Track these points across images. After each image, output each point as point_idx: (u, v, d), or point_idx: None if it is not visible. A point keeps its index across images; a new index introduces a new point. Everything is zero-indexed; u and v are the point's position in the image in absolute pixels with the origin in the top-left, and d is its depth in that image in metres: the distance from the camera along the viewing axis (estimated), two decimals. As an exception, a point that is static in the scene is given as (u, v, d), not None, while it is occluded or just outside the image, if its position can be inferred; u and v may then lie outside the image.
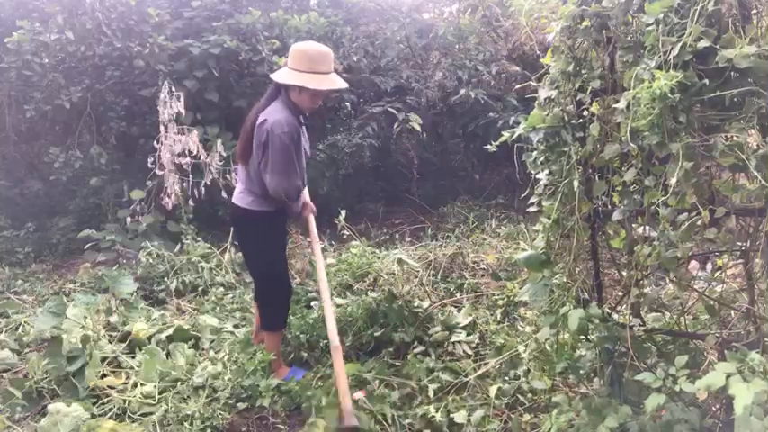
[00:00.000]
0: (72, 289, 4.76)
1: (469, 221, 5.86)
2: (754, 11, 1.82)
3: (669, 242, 1.87)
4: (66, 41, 5.54)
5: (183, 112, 5.31)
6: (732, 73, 1.74)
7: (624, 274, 2.25)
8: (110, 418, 2.90)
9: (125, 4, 5.74)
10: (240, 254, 5.20)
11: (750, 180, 1.81)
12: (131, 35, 5.78)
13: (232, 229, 5.19)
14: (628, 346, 2.09)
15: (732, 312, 2.11)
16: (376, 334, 3.39)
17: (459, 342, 3.34)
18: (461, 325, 3.50)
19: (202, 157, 5.37)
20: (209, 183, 5.42)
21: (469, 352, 3.32)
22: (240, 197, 3.15)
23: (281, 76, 2.99)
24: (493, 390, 2.86)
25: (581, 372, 2.42)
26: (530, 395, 2.82)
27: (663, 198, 1.83)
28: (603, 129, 2.06)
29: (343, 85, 3.07)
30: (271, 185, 2.97)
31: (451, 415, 2.72)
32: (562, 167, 2.15)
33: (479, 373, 3.02)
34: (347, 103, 6.97)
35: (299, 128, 3.05)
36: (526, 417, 2.67)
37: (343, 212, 4.44)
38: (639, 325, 2.20)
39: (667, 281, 2.30)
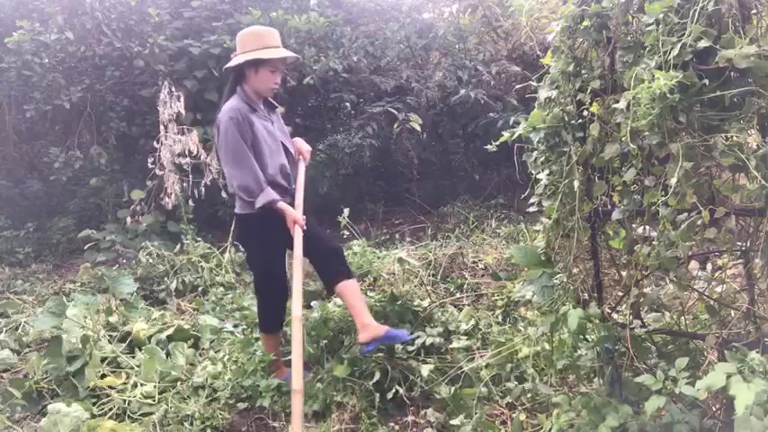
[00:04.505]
0: (72, 289, 4.76)
1: (469, 221, 5.86)
2: (754, 11, 1.82)
3: (669, 242, 1.87)
4: (66, 41, 5.54)
5: (182, 112, 5.31)
6: (732, 73, 1.74)
7: (624, 274, 2.25)
8: (110, 418, 2.90)
9: (125, 4, 5.74)
10: (240, 254, 5.22)
11: (750, 180, 1.81)
12: (131, 35, 5.78)
13: (232, 229, 5.22)
14: (628, 346, 2.09)
15: (732, 312, 2.11)
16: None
17: (458, 349, 3.29)
18: (462, 329, 3.46)
19: (202, 157, 5.37)
20: (209, 183, 5.43)
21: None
22: (235, 202, 3.14)
23: (234, 61, 2.99)
24: (476, 389, 2.86)
25: (581, 372, 2.42)
26: (530, 395, 2.82)
27: (663, 198, 1.83)
28: (603, 129, 2.06)
29: (297, 55, 3.14)
30: (228, 181, 2.95)
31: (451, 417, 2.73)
32: (562, 167, 2.15)
33: (474, 364, 3.02)
34: (347, 103, 6.97)
35: (249, 115, 2.97)
36: (526, 417, 2.67)
37: (346, 210, 4.42)
38: (640, 325, 2.19)
39: (667, 281, 2.30)
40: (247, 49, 2.97)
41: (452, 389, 2.83)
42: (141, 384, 3.13)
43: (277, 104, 3.25)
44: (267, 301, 3.20)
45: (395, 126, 6.31)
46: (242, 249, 5.14)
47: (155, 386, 3.10)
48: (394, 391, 2.91)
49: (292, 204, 3.03)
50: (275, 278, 3.18)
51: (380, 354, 3.11)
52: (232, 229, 5.20)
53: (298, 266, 2.85)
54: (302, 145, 3.31)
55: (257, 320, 3.34)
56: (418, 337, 3.04)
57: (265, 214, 2.98)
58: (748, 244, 2.00)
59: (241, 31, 3.08)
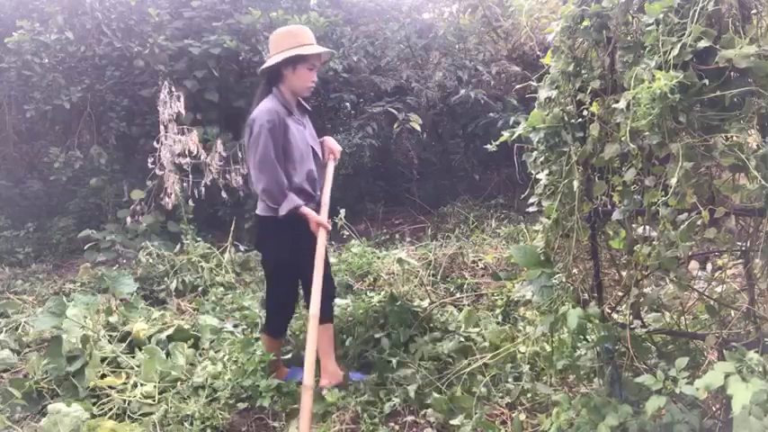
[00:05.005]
0: (72, 289, 4.76)
1: (469, 221, 5.87)
2: (754, 11, 1.82)
3: (669, 242, 1.87)
4: (66, 41, 5.55)
5: (182, 112, 5.32)
6: (732, 73, 1.74)
7: (624, 274, 2.25)
8: (110, 418, 2.90)
9: (125, 4, 5.75)
10: (240, 253, 5.22)
11: (750, 180, 1.81)
12: (131, 35, 5.79)
13: (232, 229, 5.22)
14: (628, 346, 2.09)
15: (732, 312, 2.11)
16: (377, 336, 3.38)
17: (450, 353, 3.24)
18: (462, 331, 3.46)
19: (202, 157, 5.38)
20: (209, 183, 5.43)
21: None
22: (258, 203, 3.06)
23: (272, 60, 2.94)
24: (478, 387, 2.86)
25: (581, 372, 2.42)
26: (530, 395, 2.83)
27: (663, 198, 1.83)
28: (603, 129, 2.06)
29: (332, 50, 3.31)
30: (253, 183, 2.89)
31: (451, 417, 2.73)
32: (562, 167, 2.15)
33: (472, 366, 3.02)
34: (347, 103, 6.97)
35: (286, 118, 2.93)
36: (526, 417, 2.67)
37: (342, 211, 4.43)
38: (640, 325, 2.20)
39: (667, 281, 2.30)
40: (283, 49, 2.92)
41: (451, 392, 2.84)
42: (141, 384, 3.13)
43: (309, 107, 3.20)
44: (276, 306, 3.16)
45: (395, 126, 6.32)
46: (248, 249, 5.17)
47: (155, 386, 3.10)
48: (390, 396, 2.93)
49: (317, 211, 2.99)
50: (287, 284, 3.12)
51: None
52: (232, 229, 5.21)
53: (319, 265, 2.84)
54: (333, 144, 3.27)
55: (258, 321, 3.33)
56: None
57: (288, 219, 2.92)
58: (748, 244, 2.00)
59: (274, 32, 3.05)
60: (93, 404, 3.02)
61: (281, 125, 2.88)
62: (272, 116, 2.86)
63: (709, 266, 2.87)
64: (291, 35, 2.97)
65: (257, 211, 3.07)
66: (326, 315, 3.09)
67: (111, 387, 3.13)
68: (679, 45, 1.72)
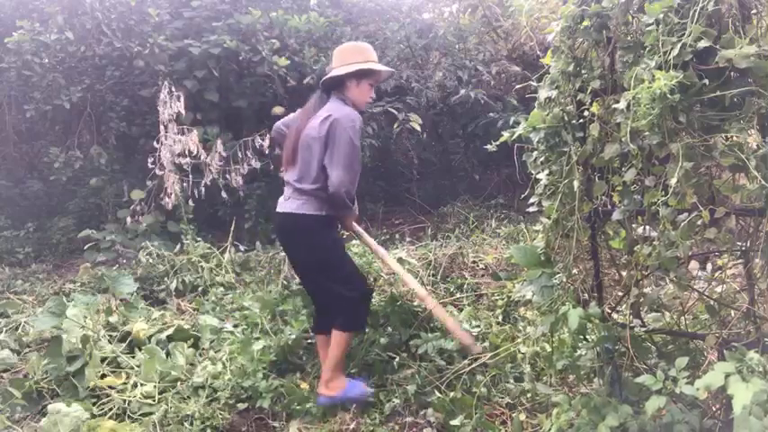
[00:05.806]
0: (72, 289, 4.76)
1: (469, 221, 5.87)
2: (754, 11, 1.82)
3: (669, 242, 1.87)
4: (66, 41, 5.54)
5: (182, 112, 5.31)
6: (732, 73, 1.74)
7: (624, 274, 2.25)
8: (110, 418, 2.91)
9: (125, 4, 5.74)
10: (239, 254, 5.21)
11: (750, 180, 1.81)
12: (131, 35, 5.78)
13: (232, 229, 5.22)
14: (628, 346, 2.09)
15: (732, 312, 2.11)
16: (377, 336, 3.38)
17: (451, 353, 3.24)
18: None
19: (202, 157, 5.37)
20: (209, 183, 5.43)
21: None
22: (289, 204, 2.97)
23: (342, 70, 2.94)
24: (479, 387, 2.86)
25: (581, 372, 2.42)
26: (530, 395, 2.83)
27: (663, 198, 1.83)
28: (603, 129, 2.06)
29: (393, 70, 3.34)
30: (334, 181, 2.81)
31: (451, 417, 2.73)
32: (562, 167, 2.15)
33: (472, 366, 3.02)
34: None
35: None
36: (526, 417, 2.67)
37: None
38: (640, 325, 2.19)
39: (667, 281, 2.29)
40: (350, 62, 2.96)
41: (452, 393, 2.84)
42: (141, 384, 3.13)
43: None
44: (368, 297, 3.10)
45: (395, 126, 6.31)
46: (248, 249, 5.15)
47: (155, 386, 3.10)
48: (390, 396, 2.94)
49: None
50: (358, 283, 3.04)
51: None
52: (232, 229, 5.20)
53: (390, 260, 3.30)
54: None
55: (258, 321, 3.27)
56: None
57: (333, 218, 3.00)
58: (748, 244, 2.00)
59: (342, 45, 3.13)
60: (93, 404, 3.02)
61: (360, 136, 2.94)
62: (359, 122, 2.91)
63: (709, 266, 2.86)
64: (359, 50, 3.04)
65: (307, 212, 2.92)
66: (361, 324, 3.08)
67: (111, 387, 3.13)
68: (679, 45, 1.72)
